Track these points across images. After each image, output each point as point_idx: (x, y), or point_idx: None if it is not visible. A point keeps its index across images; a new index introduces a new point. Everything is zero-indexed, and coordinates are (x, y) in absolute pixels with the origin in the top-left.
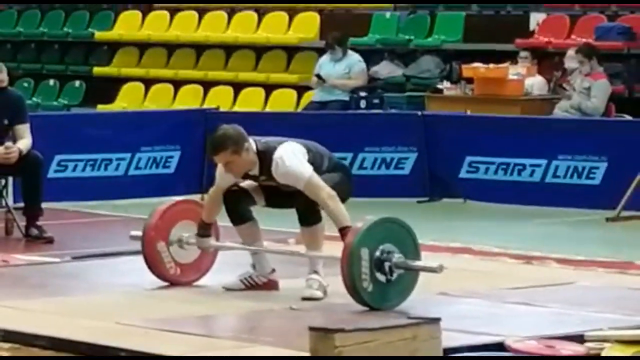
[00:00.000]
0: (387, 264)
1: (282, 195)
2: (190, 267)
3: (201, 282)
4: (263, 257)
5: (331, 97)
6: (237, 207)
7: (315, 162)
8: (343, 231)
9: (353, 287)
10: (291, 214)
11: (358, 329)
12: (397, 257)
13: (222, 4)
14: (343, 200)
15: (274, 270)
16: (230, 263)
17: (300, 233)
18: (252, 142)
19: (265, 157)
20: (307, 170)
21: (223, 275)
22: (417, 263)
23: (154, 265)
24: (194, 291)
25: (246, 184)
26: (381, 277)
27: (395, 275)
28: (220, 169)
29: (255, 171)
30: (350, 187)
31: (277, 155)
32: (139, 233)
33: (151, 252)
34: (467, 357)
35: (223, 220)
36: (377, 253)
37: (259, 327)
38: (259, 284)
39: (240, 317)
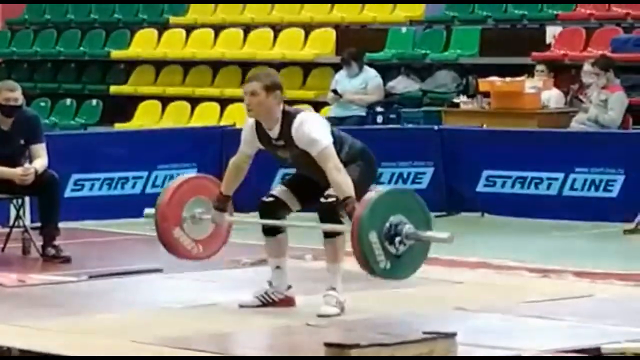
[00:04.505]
0: (397, 238)
1: (311, 190)
2: (209, 240)
3: (217, 299)
4: (283, 274)
5: (348, 113)
6: (273, 217)
7: (335, 143)
8: (345, 201)
9: (371, 271)
10: (309, 231)
11: (374, 344)
12: (407, 228)
13: (238, 20)
14: (367, 188)
15: (290, 287)
16: (247, 280)
17: (323, 245)
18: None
19: (288, 117)
20: (327, 139)
21: (239, 292)
22: (428, 233)
23: (175, 250)
24: (209, 309)
25: (278, 191)
26: (393, 250)
27: (406, 246)
28: (244, 134)
29: (275, 132)
30: (372, 174)
31: (301, 115)
32: (152, 212)
33: (169, 241)
34: None
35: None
36: (387, 226)
37: (275, 344)
38: (275, 300)
39: (256, 334)
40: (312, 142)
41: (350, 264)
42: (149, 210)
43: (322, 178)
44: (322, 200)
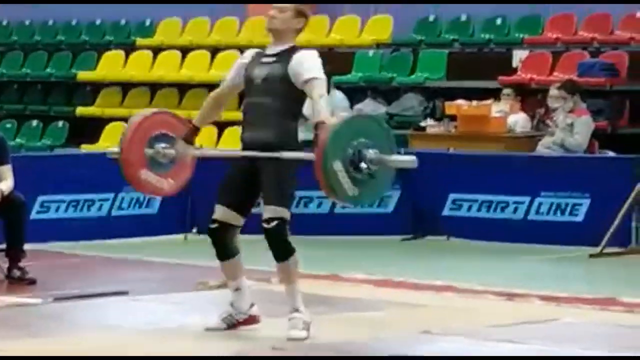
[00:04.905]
0: (362, 165)
1: (246, 197)
2: (177, 171)
3: (184, 322)
4: (243, 294)
5: None
6: (224, 241)
7: None
8: (318, 125)
9: (340, 200)
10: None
11: None
12: (371, 153)
13: (205, 43)
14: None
15: (253, 305)
16: (214, 302)
17: (276, 268)
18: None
19: (295, 48)
20: (322, 74)
21: (206, 314)
22: (392, 157)
23: (145, 190)
24: (177, 332)
25: (219, 214)
26: (358, 176)
27: (372, 171)
28: (239, 60)
29: (275, 50)
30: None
31: (309, 50)
32: (116, 151)
33: (138, 184)
34: None
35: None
36: (350, 153)
37: None
38: (239, 321)
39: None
40: (311, 67)
41: (311, 285)
42: (112, 150)
43: (268, 116)
44: (265, 225)
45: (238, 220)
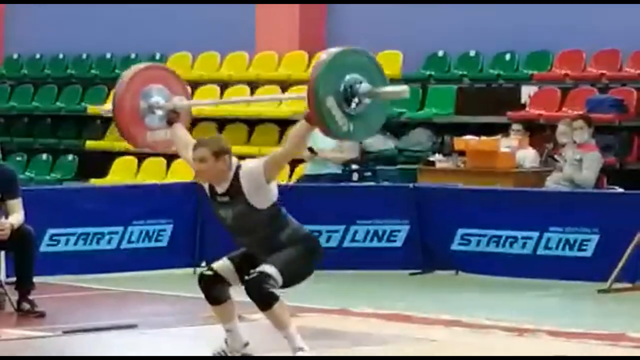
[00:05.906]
0: (355, 99)
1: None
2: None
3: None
4: (236, 335)
5: (323, 170)
6: (212, 290)
7: (278, 217)
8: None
9: (335, 136)
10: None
11: None
12: (363, 86)
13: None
14: (303, 278)
15: (247, 344)
16: (222, 336)
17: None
18: (234, 161)
19: (237, 170)
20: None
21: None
22: (384, 89)
23: (158, 148)
24: None
25: (219, 265)
26: (352, 111)
27: (365, 105)
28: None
29: (223, 187)
30: (310, 262)
31: (248, 160)
32: (110, 108)
33: (149, 146)
34: None
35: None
36: (342, 88)
37: None
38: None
39: None
40: (257, 165)
41: (320, 320)
42: (106, 108)
43: (260, 243)
44: (246, 277)
45: (235, 281)
